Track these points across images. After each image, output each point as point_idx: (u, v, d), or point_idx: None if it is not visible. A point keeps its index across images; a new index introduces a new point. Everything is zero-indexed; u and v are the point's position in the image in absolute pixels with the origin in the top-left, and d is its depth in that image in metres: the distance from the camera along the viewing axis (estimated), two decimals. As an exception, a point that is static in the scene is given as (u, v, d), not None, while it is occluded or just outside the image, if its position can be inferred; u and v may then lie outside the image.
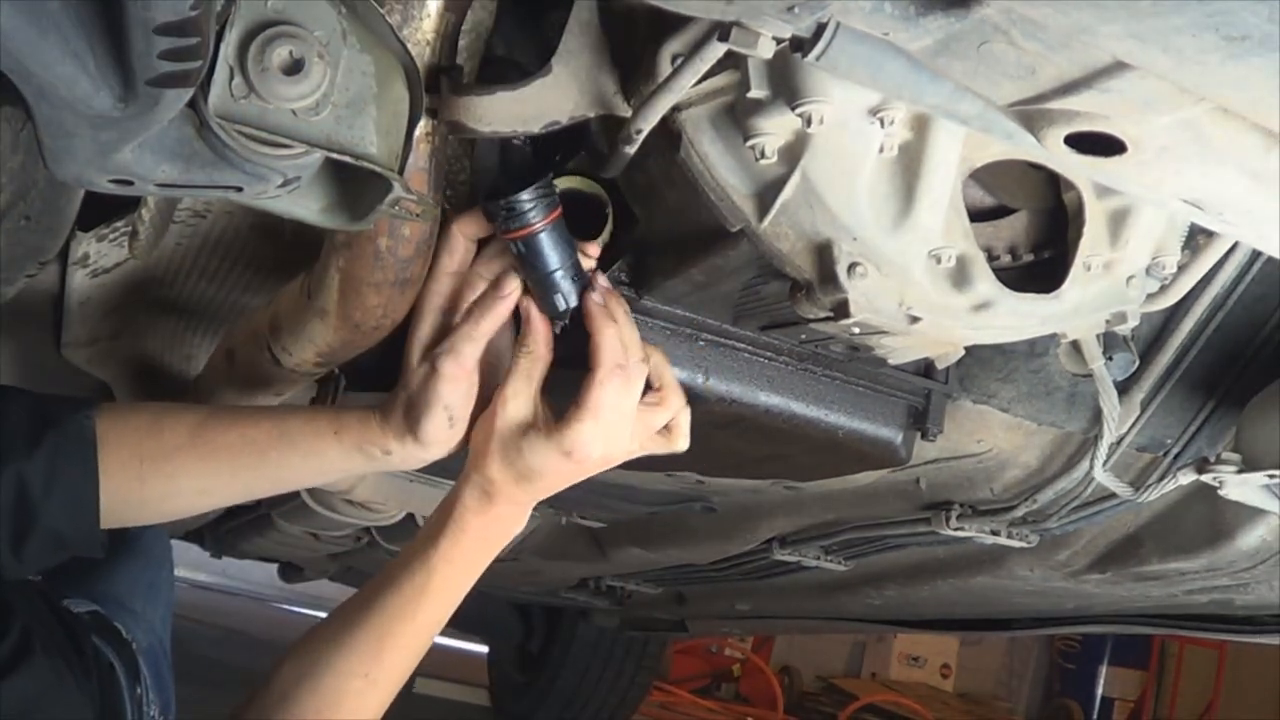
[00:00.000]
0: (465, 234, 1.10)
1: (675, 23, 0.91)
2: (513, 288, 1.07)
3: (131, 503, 1.14)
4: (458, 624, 1.19)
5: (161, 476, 1.14)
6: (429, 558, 1.12)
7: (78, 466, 1.11)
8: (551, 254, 1.04)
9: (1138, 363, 1.26)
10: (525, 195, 1.01)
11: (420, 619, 1.13)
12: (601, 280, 1.08)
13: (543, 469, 1.10)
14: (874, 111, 0.91)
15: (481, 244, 1.12)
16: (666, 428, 1.14)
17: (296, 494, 2.12)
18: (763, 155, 0.94)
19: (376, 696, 1.13)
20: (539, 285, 1.06)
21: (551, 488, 1.13)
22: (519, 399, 1.09)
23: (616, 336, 1.06)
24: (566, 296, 1.06)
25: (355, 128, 0.86)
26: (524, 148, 1.10)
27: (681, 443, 1.16)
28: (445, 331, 1.11)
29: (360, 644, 1.12)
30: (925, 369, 1.32)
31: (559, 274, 1.05)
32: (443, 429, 1.10)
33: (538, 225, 1.03)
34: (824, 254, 0.99)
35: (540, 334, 1.08)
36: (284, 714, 1.11)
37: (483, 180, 1.08)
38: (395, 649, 1.13)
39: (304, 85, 0.82)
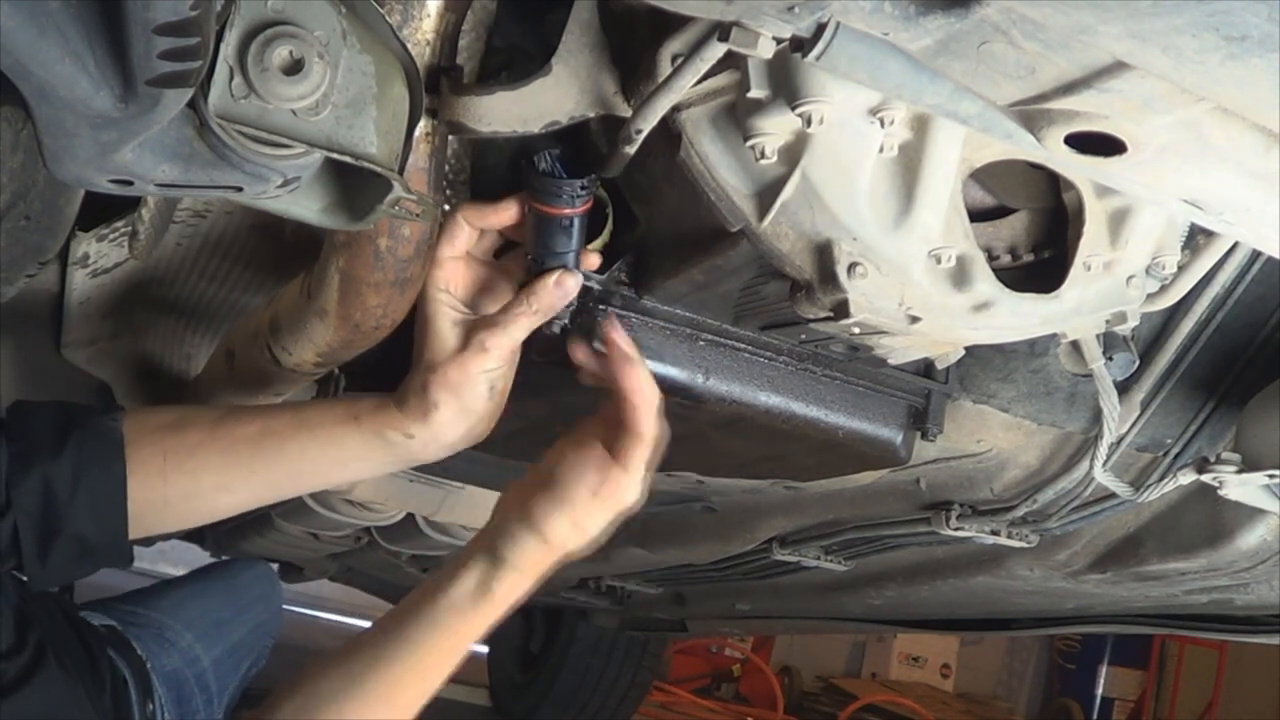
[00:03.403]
0: (470, 221, 1.10)
1: (675, 23, 0.91)
2: (573, 285, 1.09)
3: (154, 503, 1.13)
4: (457, 624, 1.18)
5: (184, 473, 1.13)
6: (454, 628, 1.10)
7: (105, 471, 1.11)
8: (571, 239, 1.08)
9: (1138, 363, 1.26)
10: (582, 181, 1.04)
11: (430, 679, 1.12)
12: (617, 328, 1.10)
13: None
14: (874, 111, 0.91)
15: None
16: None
17: (297, 494, 2.11)
18: (763, 155, 0.94)
19: None
20: (539, 263, 1.10)
21: (592, 534, 1.12)
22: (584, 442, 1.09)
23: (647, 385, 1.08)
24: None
25: (355, 128, 0.86)
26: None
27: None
28: (459, 317, 1.11)
29: (366, 699, 1.10)
30: (925, 369, 1.32)
31: (568, 258, 1.09)
32: (482, 399, 1.10)
33: (569, 211, 1.06)
34: (824, 254, 0.99)
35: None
36: None
37: (538, 143, 1.08)
38: (402, 704, 1.12)
39: (304, 85, 0.82)
